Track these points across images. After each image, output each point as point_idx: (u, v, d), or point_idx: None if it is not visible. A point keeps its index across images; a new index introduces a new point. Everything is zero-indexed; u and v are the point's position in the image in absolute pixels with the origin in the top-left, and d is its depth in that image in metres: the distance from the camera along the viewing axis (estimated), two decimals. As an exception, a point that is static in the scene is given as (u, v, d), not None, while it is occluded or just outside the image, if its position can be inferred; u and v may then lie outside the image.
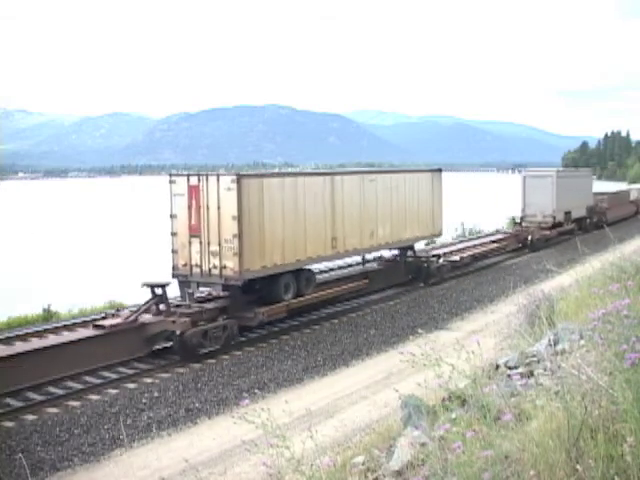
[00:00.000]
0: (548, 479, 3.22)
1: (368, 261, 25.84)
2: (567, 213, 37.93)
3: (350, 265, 25.50)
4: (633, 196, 57.26)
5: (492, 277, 27.94)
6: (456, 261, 28.17)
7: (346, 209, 21.07)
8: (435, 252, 28.82)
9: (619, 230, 35.45)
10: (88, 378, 14.91)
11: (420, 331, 7.02)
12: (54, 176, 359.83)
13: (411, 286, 25.82)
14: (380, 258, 26.11)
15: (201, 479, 9.63)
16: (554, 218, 36.73)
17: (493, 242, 33.22)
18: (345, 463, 4.82)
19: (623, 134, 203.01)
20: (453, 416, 4.21)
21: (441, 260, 27.38)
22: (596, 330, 4.07)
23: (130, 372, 15.48)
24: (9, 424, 12.54)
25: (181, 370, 15.84)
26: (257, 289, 18.62)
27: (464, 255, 29.37)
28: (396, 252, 26.09)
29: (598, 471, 3.05)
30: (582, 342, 5.04)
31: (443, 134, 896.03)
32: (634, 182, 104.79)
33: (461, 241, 35.35)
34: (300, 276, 19.63)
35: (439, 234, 28.22)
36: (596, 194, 45.88)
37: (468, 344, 4.68)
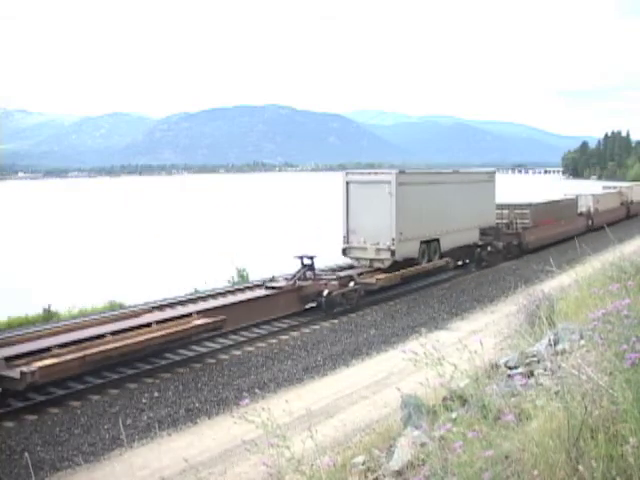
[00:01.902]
0: (548, 479, 3.22)
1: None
2: (428, 242, 24.98)
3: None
4: (584, 206, 44.11)
5: (492, 277, 27.94)
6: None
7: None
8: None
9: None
10: (88, 378, 14.92)
11: (422, 330, 7.01)
12: (54, 176, 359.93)
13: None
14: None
15: (201, 479, 9.62)
16: (392, 252, 23.10)
17: (239, 304, 19.05)
18: (345, 463, 4.82)
19: (623, 134, 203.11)
20: (453, 416, 4.21)
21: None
22: (596, 330, 4.07)
23: (130, 372, 15.48)
24: (9, 424, 12.54)
25: (181, 370, 15.85)
26: None
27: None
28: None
29: (599, 471, 3.05)
30: (582, 342, 5.04)
31: (443, 134, 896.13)
32: (634, 181, 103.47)
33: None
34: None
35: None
36: (515, 205, 34.45)
37: (468, 344, 4.68)
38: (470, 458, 3.32)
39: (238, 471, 10.39)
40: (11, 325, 20.79)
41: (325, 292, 20.49)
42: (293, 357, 16.86)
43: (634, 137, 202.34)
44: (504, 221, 33.77)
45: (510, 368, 5.99)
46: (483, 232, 29.67)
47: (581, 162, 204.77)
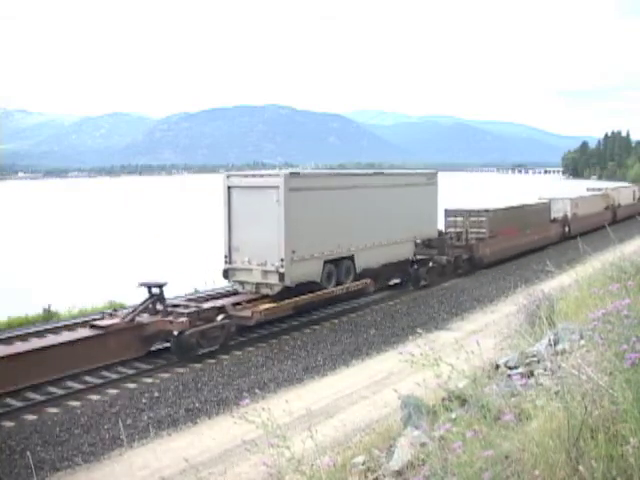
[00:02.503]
0: (548, 479, 3.22)
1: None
2: (336, 261, 20.57)
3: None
4: (560, 211, 40.18)
5: (492, 277, 27.94)
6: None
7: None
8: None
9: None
10: (88, 378, 14.92)
11: (420, 331, 7.00)
12: (54, 176, 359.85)
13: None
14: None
15: (201, 479, 9.62)
16: (281, 276, 18.52)
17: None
18: (345, 463, 4.82)
19: (623, 134, 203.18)
20: (453, 416, 4.21)
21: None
22: (596, 330, 4.07)
23: (130, 372, 15.48)
24: (9, 424, 12.54)
25: (181, 370, 15.84)
26: None
27: None
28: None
29: (599, 471, 3.05)
30: (582, 342, 5.04)
31: (443, 134, 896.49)
32: (634, 182, 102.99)
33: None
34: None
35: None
36: (471, 212, 30.19)
37: (468, 344, 4.68)
38: (470, 458, 3.32)
39: (238, 471, 10.39)
40: (11, 325, 20.78)
41: (175, 331, 16.15)
42: (293, 357, 16.86)
43: (634, 137, 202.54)
44: (457, 230, 29.61)
45: (510, 368, 5.99)
46: (427, 245, 25.85)
47: (581, 162, 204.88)
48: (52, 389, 14.27)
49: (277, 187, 18.57)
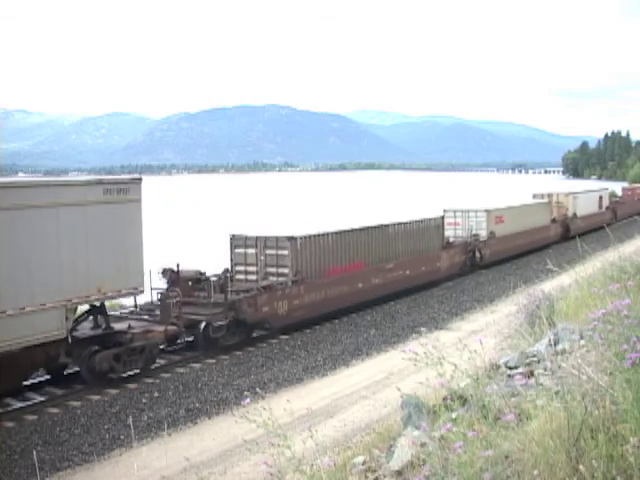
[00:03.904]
0: (549, 479, 3.22)
1: None
2: None
3: None
4: (464, 229, 29.36)
5: (492, 277, 27.94)
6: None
7: None
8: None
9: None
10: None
11: (422, 329, 7.00)
12: (54, 176, 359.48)
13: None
14: None
15: (202, 478, 9.63)
16: None
17: None
18: (345, 463, 4.82)
19: (623, 134, 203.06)
20: (453, 416, 4.21)
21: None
22: (596, 330, 4.07)
23: (130, 372, 15.48)
24: (9, 424, 12.54)
25: (181, 370, 15.84)
26: None
27: None
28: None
29: (599, 471, 3.05)
30: (582, 342, 5.03)
31: (443, 134, 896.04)
32: (634, 182, 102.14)
33: None
34: None
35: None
36: (265, 239, 19.81)
37: (468, 344, 4.68)
38: (470, 458, 3.32)
39: (238, 471, 10.40)
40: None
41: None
42: (293, 357, 16.86)
43: (634, 137, 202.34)
44: (248, 272, 19.68)
45: (510, 368, 5.98)
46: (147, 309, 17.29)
47: (581, 162, 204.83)
48: (52, 389, 14.29)
49: None
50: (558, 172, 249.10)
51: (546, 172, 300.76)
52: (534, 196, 40.57)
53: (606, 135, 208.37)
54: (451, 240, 27.95)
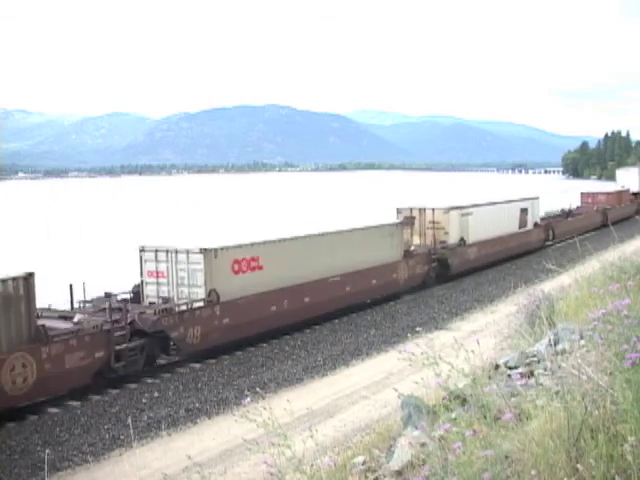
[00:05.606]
0: (548, 479, 3.21)
1: None
2: None
3: None
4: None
5: (492, 277, 27.92)
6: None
7: None
8: None
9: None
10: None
11: (418, 329, 7.00)
12: (54, 176, 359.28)
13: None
14: None
15: (204, 477, 9.65)
16: None
17: None
18: (345, 463, 4.82)
19: (623, 134, 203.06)
20: (453, 416, 4.21)
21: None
22: (596, 330, 4.07)
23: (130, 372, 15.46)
24: (9, 424, 12.54)
25: (181, 370, 15.83)
26: None
27: None
28: None
29: (599, 471, 3.05)
30: (582, 342, 5.03)
31: (443, 134, 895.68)
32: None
33: None
34: None
35: None
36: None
37: (468, 344, 4.68)
38: (470, 458, 3.32)
39: (238, 471, 10.40)
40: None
41: None
42: (293, 357, 16.86)
43: (634, 137, 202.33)
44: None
45: (510, 368, 5.98)
46: None
47: (581, 162, 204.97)
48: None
49: None
50: (558, 172, 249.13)
51: (546, 172, 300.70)
52: (398, 212, 27.46)
53: (606, 135, 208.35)
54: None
